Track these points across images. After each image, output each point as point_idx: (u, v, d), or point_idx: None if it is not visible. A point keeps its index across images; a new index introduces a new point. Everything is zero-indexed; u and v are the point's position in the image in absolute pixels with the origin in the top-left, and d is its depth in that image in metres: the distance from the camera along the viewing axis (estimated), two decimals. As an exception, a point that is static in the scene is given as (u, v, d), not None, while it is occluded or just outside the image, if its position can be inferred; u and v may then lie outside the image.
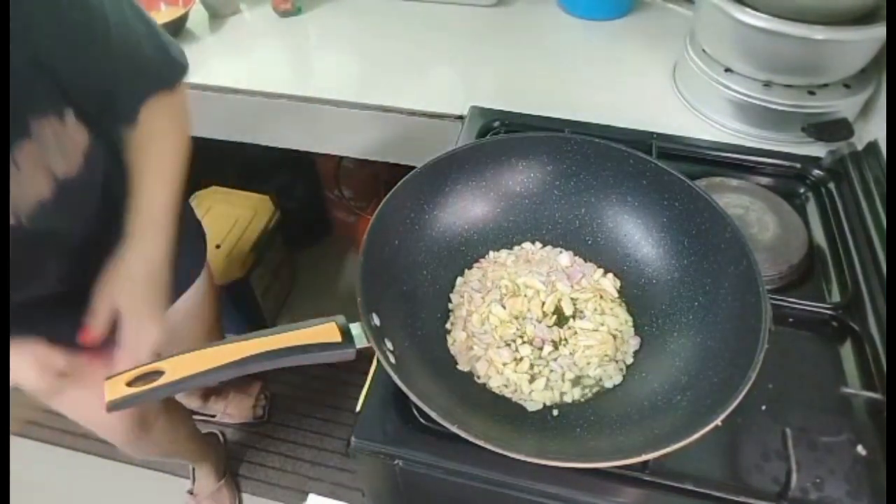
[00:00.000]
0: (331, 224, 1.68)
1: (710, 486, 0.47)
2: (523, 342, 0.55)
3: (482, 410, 0.50)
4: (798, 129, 0.77)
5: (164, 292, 0.61)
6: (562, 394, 0.52)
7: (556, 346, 0.55)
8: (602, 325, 0.56)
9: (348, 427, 0.51)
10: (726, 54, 0.79)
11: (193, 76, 0.93)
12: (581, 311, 0.57)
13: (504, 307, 0.57)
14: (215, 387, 1.41)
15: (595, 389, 0.53)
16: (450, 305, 0.58)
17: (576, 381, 0.53)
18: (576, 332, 0.56)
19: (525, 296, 0.58)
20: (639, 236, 0.60)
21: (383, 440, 0.50)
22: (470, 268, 0.61)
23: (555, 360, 0.54)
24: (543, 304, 0.58)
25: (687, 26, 0.89)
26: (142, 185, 0.61)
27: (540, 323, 0.57)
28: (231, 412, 1.38)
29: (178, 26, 1.00)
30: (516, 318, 0.57)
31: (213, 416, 1.39)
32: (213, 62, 0.97)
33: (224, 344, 0.43)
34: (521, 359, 0.54)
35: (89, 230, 0.63)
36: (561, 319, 0.57)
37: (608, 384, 0.53)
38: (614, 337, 0.55)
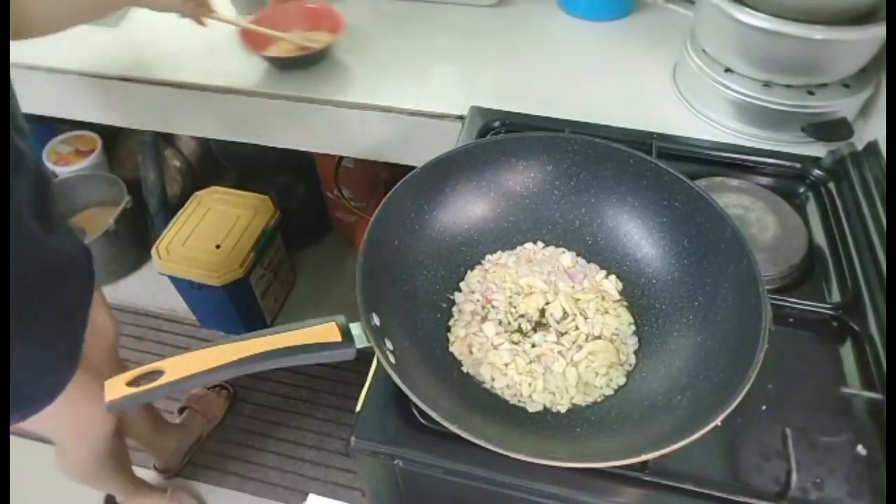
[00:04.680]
0: (331, 224, 1.68)
1: (710, 486, 0.47)
2: (523, 337, 0.55)
3: (482, 410, 0.50)
4: (798, 129, 0.77)
5: None
6: (562, 397, 0.52)
7: (561, 355, 0.54)
8: (604, 325, 0.56)
9: (348, 427, 0.51)
10: (726, 54, 0.79)
11: (193, 76, 0.93)
12: (583, 311, 0.57)
13: (498, 323, 0.57)
14: None
15: (599, 393, 0.52)
16: (452, 309, 0.58)
17: (579, 387, 0.53)
18: (581, 346, 0.55)
19: (531, 292, 0.58)
20: (639, 236, 0.60)
21: (383, 440, 0.50)
22: (472, 268, 0.61)
23: (556, 372, 0.53)
24: (547, 303, 0.58)
25: (687, 26, 0.89)
26: None
27: (540, 329, 0.56)
28: None
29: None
30: (521, 316, 0.57)
31: None
32: (213, 62, 0.97)
33: (224, 344, 0.43)
34: (521, 353, 0.54)
35: None
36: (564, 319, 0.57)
37: (608, 392, 0.52)
38: (614, 339, 0.55)
